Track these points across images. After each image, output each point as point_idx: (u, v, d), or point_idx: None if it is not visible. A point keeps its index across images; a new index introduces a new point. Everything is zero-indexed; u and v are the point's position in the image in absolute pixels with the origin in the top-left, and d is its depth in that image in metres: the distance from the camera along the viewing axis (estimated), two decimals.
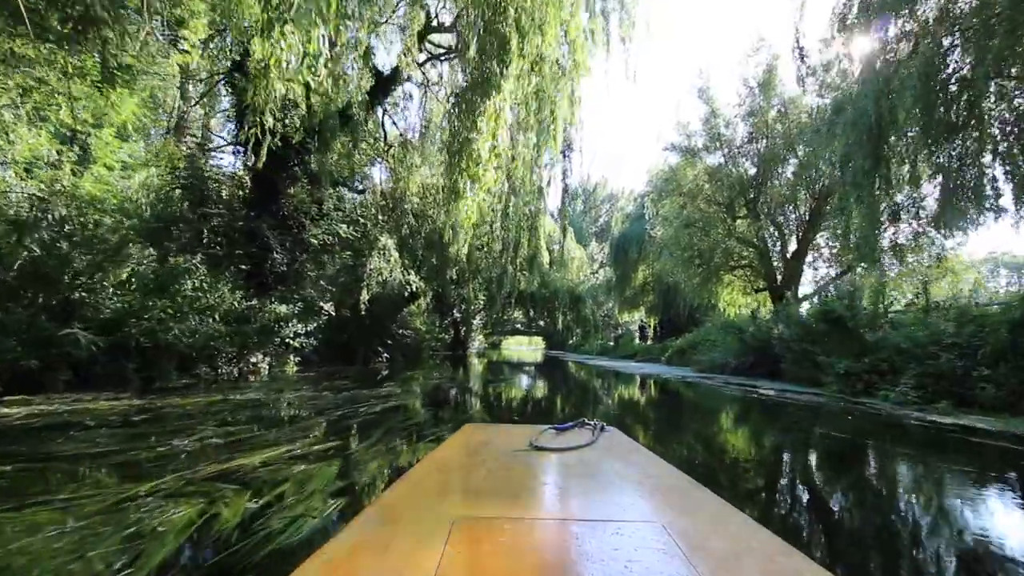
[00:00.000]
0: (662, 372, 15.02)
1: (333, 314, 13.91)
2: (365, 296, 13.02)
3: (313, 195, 11.71)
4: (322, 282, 12.89)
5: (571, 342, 41.67)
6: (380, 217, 14.69)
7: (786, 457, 4.79)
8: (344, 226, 12.78)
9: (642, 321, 33.49)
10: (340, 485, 3.12)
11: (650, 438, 5.31)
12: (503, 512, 1.20)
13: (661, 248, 25.99)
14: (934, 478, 3.87)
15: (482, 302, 26.18)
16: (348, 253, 11.99)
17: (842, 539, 2.56)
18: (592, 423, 2.15)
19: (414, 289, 14.52)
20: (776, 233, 21.61)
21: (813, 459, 4.69)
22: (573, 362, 24.21)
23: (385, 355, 15.97)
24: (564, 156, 12.27)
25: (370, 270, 12.79)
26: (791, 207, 20.91)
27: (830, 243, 20.66)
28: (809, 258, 21.11)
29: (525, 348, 60.87)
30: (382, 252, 13.56)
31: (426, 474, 1.60)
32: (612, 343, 31.08)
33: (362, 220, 13.93)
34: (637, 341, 29.76)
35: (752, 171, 21.38)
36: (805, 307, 17.01)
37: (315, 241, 11.03)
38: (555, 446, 1.85)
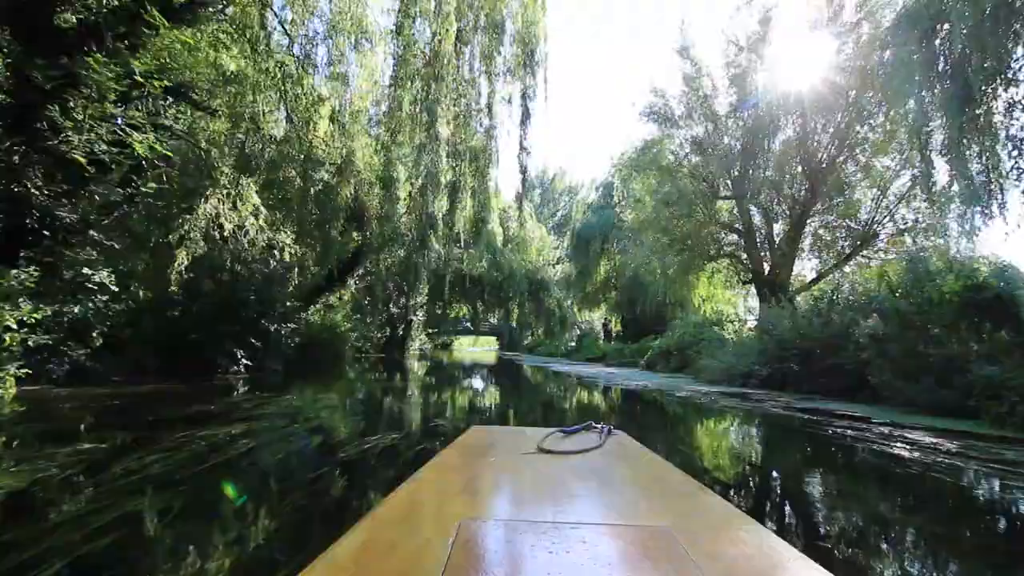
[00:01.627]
0: (658, 384, 11.50)
1: (144, 295, 9.85)
2: (182, 261, 8.60)
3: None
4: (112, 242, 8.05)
5: (526, 342, 38.31)
6: (228, 149, 9.48)
7: None
8: (142, 134, 6.78)
9: (605, 319, 30.49)
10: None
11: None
12: (510, 514, 1.23)
13: (632, 234, 22.95)
14: None
15: (423, 295, 22.18)
16: (152, 186, 7.42)
17: None
18: (599, 426, 2.11)
19: (286, 256, 10.21)
20: (763, 217, 18.85)
21: None
22: (533, 367, 20.63)
23: (246, 361, 11.02)
24: (526, 70, 8.59)
25: (200, 218, 8.32)
26: (786, 185, 18.09)
27: (828, 227, 18.02)
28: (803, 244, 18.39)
29: (478, 349, 56.76)
30: (227, 192, 8.99)
31: (433, 475, 1.60)
32: (573, 344, 27.67)
33: (193, 143, 8.96)
34: (602, 342, 26.49)
35: (738, 145, 18.50)
36: (803, 301, 14.21)
37: (79, 157, 6.09)
38: (562, 449, 1.84)
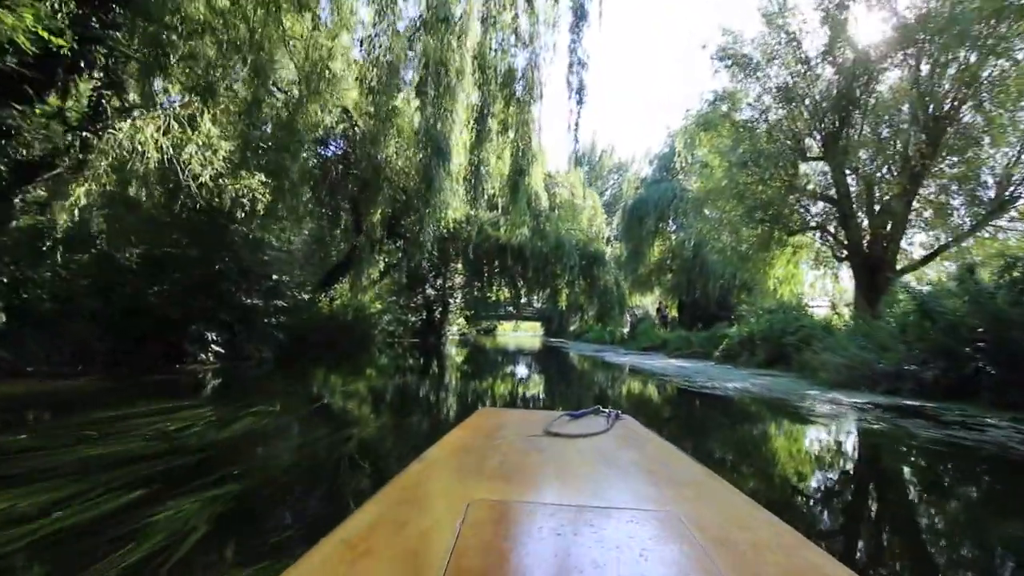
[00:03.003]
0: (762, 389, 8.56)
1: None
2: (79, 196, 6.16)
3: None
4: None
5: (572, 328, 36.06)
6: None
7: None
8: None
9: (660, 304, 27.88)
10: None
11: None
12: (518, 496, 1.22)
13: (694, 206, 20.25)
14: None
15: (461, 275, 20.44)
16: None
17: None
18: (607, 411, 2.10)
19: (259, 207, 7.96)
20: (862, 182, 15.81)
21: None
22: (581, 355, 18.54)
23: (216, 348, 8.92)
24: None
25: (115, 139, 6.00)
26: (894, 141, 14.95)
27: (948, 192, 14.83)
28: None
29: (521, 335, 54.99)
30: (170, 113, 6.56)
31: (442, 456, 1.62)
32: (626, 330, 25.23)
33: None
34: (659, 328, 23.94)
35: (832, 94, 15.56)
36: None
37: None
38: (569, 432, 1.84)
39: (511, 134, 8.95)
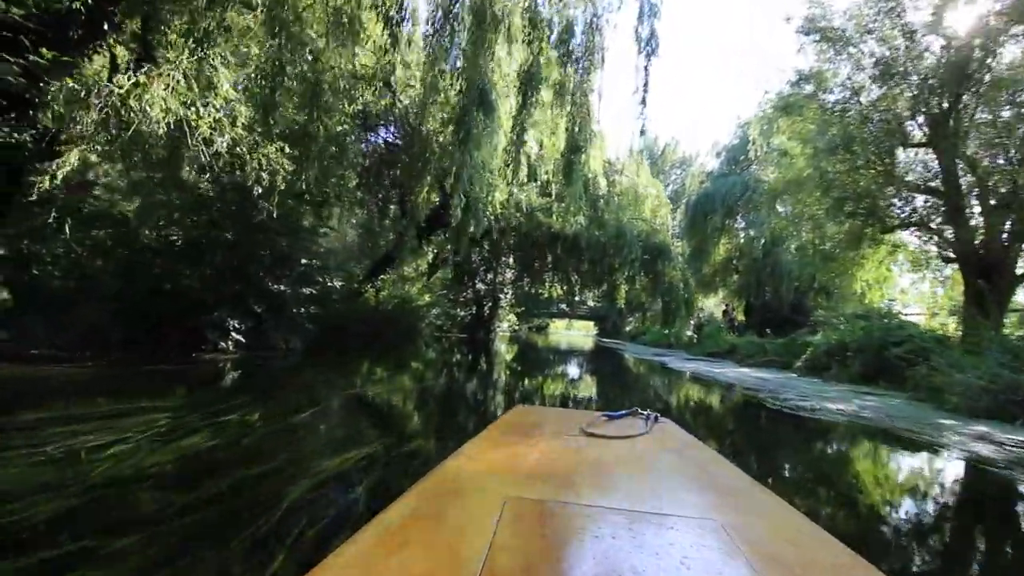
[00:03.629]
0: (880, 415, 6.56)
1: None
2: (65, 164, 5.60)
3: None
4: None
5: (628, 328, 34.57)
6: None
7: None
8: None
9: (727, 306, 26.02)
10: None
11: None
12: (555, 495, 1.21)
13: (768, 200, 18.50)
14: None
15: (512, 269, 19.72)
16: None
17: None
18: (645, 413, 2.08)
19: (278, 180, 7.27)
20: (976, 172, 13.70)
21: None
22: (638, 359, 17.32)
23: (237, 335, 8.34)
24: None
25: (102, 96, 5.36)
26: (1013, 125, 12.85)
27: None
28: None
29: (574, 333, 53.70)
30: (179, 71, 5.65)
31: (479, 451, 1.62)
32: (690, 333, 23.62)
33: None
34: (726, 333, 22.20)
35: (941, 70, 13.60)
36: None
37: None
38: (607, 433, 1.81)
39: (566, 105, 8.02)
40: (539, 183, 12.64)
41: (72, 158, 5.03)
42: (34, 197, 5.28)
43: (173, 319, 7.56)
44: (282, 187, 6.53)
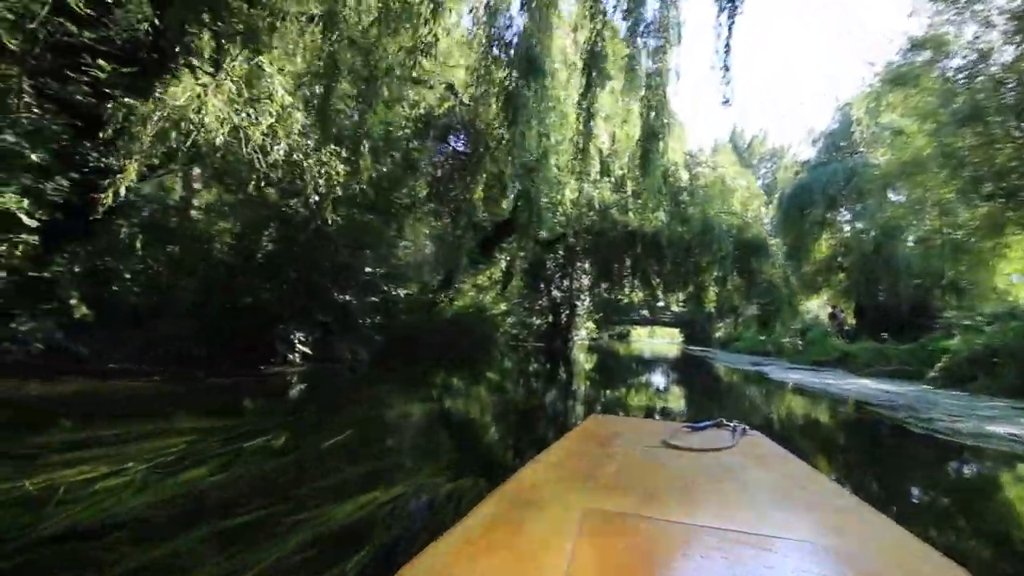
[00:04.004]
0: None
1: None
2: (125, 180, 5.72)
3: None
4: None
5: (717, 335, 32.32)
6: None
7: None
8: None
9: (837, 309, 23.41)
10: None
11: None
12: (636, 509, 1.18)
13: (885, 184, 16.41)
14: None
15: (588, 274, 19.03)
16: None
17: None
18: (732, 424, 1.99)
19: (331, 183, 6.95)
20: None
21: None
22: (730, 368, 15.92)
23: (303, 348, 8.27)
24: None
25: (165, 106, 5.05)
26: None
27: None
28: None
29: (657, 341, 51.44)
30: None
31: (556, 461, 1.59)
32: (789, 340, 21.43)
33: None
34: (835, 338, 19.88)
35: None
36: None
37: None
38: (692, 446, 1.74)
39: (639, 89, 7.35)
40: (612, 179, 11.87)
41: (131, 173, 5.24)
42: (99, 215, 5.55)
43: (246, 333, 7.73)
44: (338, 194, 6.47)
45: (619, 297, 22.63)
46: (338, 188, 6.03)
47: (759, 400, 9.04)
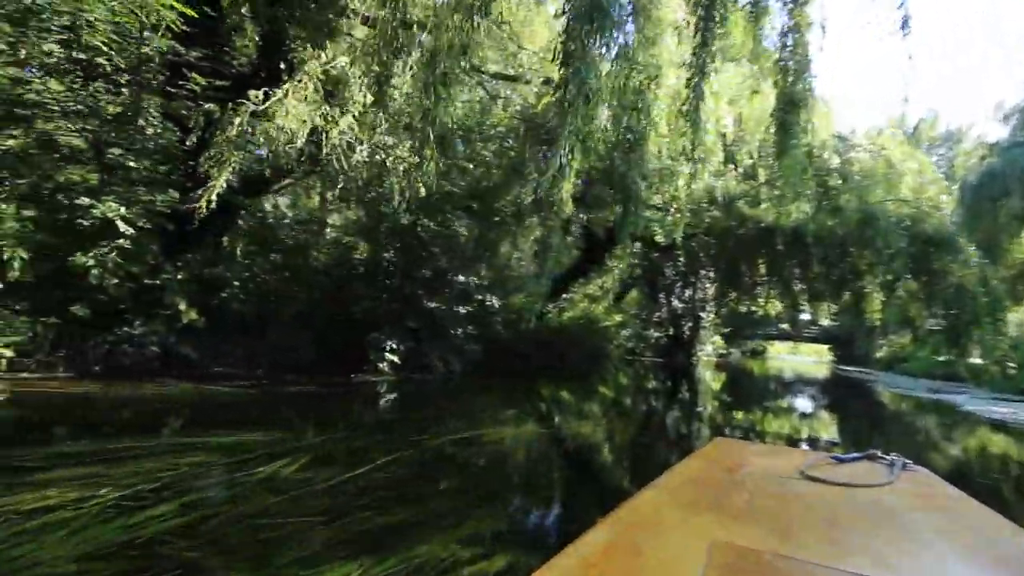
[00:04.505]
0: None
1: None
2: (219, 183, 5.65)
3: None
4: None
5: (879, 354, 27.47)
6: None
7: None
8: None
9: None
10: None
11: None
12: (772, 546, 1.07)
13: None
14: None
15: (713, 282, 17.16)
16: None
17: None
18: (888, 457, 1.75)
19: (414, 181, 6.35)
20: None
21: None
22: (915, 399, 13.16)
23: (391, 356, 7.96)
24: None
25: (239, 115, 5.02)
26: None
27: None
28: None
29: (799, 359, 45.54)
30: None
31: (678, 485, 1.53)
32: (996, 362, 17.17)
33: None
34: None
35: None
36: None
37: None
38: (837, 480, 1.52)
39: (773, 51, 5.97)
40: (739, 168, 10.11)
41: (221, 181, 5.28)
42: (196, 224, 5.76)
43: (343, 342, 7.74)
44: (421, 194, 6.09)
45: (752, 308, 20.23)
46: (422, 190, 5.67)
47: (944, 438, 6.94)
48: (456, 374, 9.06)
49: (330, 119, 5.21)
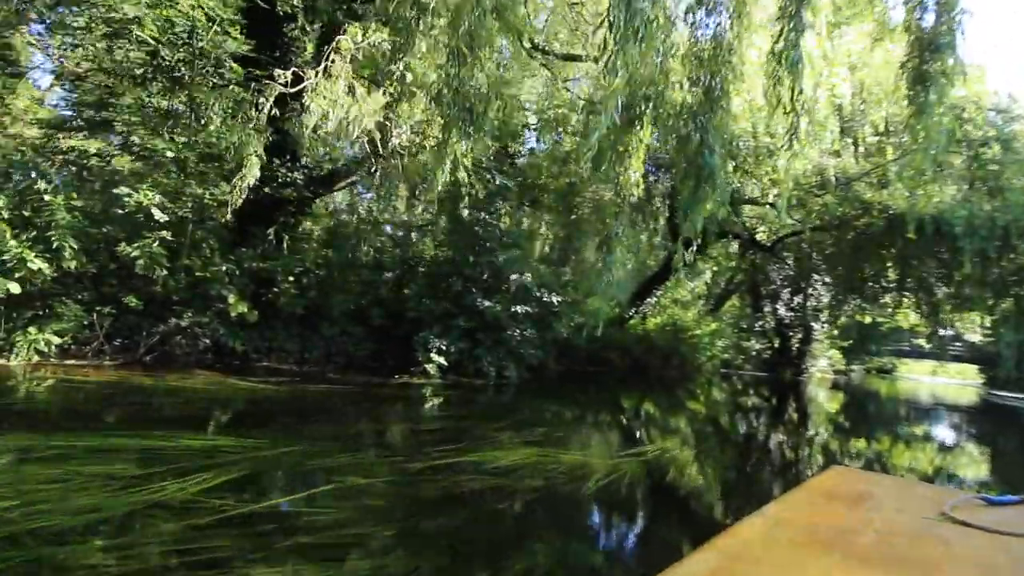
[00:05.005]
0: None
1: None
2: (246, 181, 5.30)
3: None
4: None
5: None
6: None
7: None
8: None
9: None
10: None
11: None
12: None
13: None
14: None
15: (830, 287, 15.01)
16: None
17: None
18: None
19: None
20: None
21: None
22: None
23: (439, 358, 7.43)
24: None
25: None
26: None
27: None
28: None
29: (940, 381, 39.14)
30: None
31: (790, 516, 1.38)
32: None
33: None
34: None
35: None
36: None
37: None
38: (990, 526, 1.29)
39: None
40: (860, 143, 8.30)
41: (253, 170, 5.14)
42: (228, 216, 5.72)
43: (397, 339, 7.45)
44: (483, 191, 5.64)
45: (878, 319, 17.51)
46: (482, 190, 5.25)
47: None
48: (512, 381, 8.37)
49: (361, 100, 4.90)
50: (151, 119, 5.99)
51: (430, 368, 7.43)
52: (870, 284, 13.34)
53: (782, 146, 4.42)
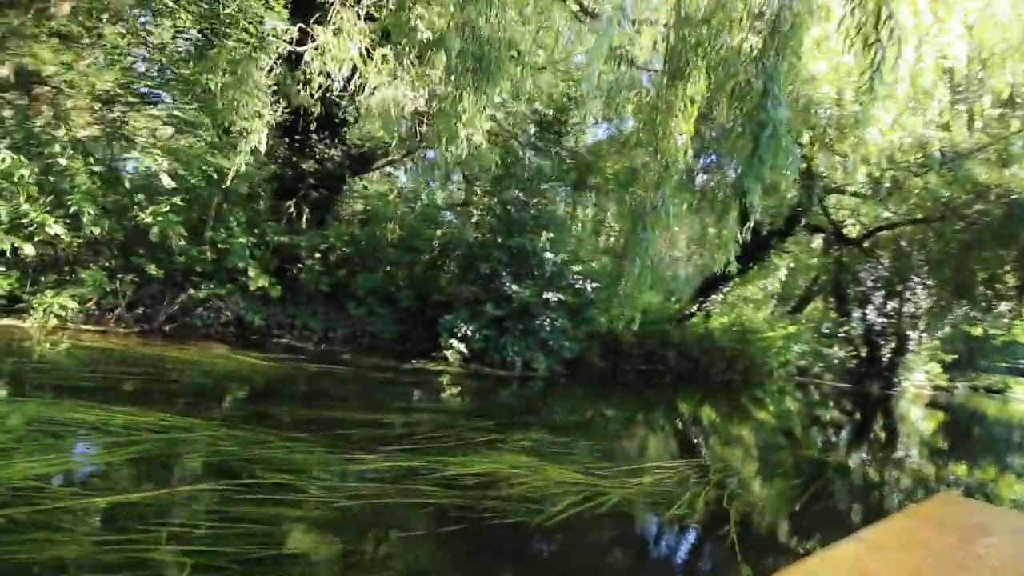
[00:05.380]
0: None
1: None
2: (257, 136, 4.97)
3: None
4: None
5: None
6: None
7: None
8: None
9: None
10: None
11: None
12: None
13: None
14: None
15: (930, 290, 13.31)
16: None
17: None
18: None
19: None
20: None
21: None
22: None
23: (461, 345, 7.02)
24: None
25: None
26: None
27: None
28: None
29: None
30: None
31: (890, 545, 1.29)
32: None
33: None
34: None
35: None
36: None
37: None
38: None
39: None
40: (976, 117, 6.91)
41: (258, 134, 4.97)
42: (236, 183, 5.62)
43: (422, 322, 7.17)
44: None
45: (989, 330, 15.38)
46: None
47: None
48: (541, 374, 7.79)
49: (367, 56, 4.59)
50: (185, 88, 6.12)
51: (450, 355, 7.02)
52: (982, 288, 11.59)
53: (861, 88, 3.55)
